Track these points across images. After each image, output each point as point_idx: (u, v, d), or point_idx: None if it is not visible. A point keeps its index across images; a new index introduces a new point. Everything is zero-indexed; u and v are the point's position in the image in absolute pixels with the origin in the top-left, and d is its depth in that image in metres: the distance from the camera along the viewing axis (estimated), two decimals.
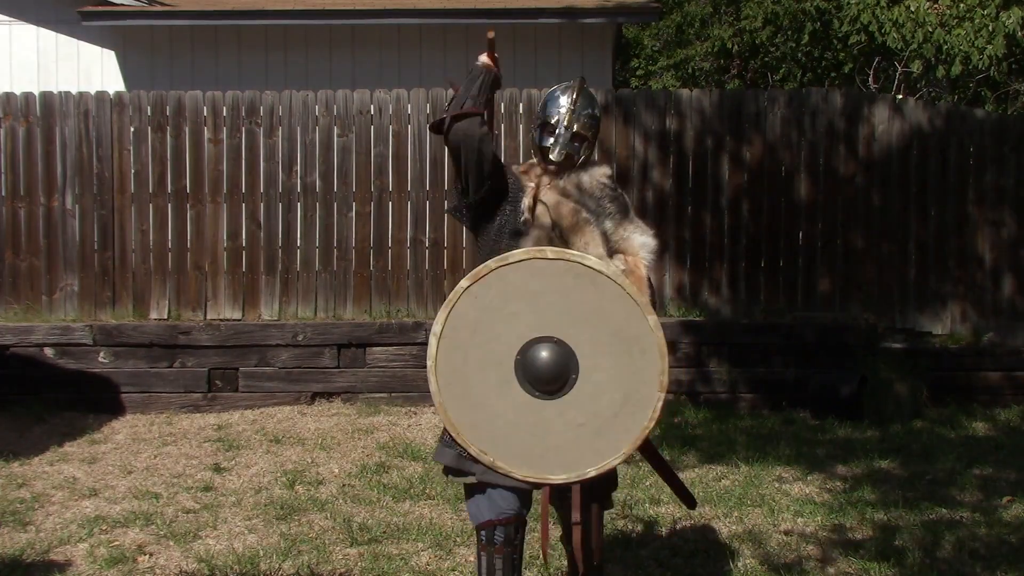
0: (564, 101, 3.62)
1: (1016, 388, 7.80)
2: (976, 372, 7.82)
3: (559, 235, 3.51)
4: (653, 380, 3.30)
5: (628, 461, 3.86)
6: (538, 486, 3.41)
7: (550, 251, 3.36)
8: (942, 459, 6.32)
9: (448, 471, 3.63)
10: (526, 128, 8.03)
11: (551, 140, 3.61)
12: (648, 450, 3.62)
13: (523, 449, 3.34)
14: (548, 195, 3.57)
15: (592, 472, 3.34)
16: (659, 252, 3.58)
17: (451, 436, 3.50)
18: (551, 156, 3.60)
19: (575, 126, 3.60)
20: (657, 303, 3.58)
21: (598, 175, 3.68)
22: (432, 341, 3.37)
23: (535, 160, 3.71)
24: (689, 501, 3.79)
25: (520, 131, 8.12)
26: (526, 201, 3.56)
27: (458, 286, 3.35)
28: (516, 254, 3.35)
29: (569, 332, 3.30)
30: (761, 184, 8.18)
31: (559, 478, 3.35)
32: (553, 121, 3.62)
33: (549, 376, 3.31)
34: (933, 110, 8.44)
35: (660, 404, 3.32)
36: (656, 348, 3.30)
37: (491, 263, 3.36)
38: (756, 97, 8.36)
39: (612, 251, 3.58)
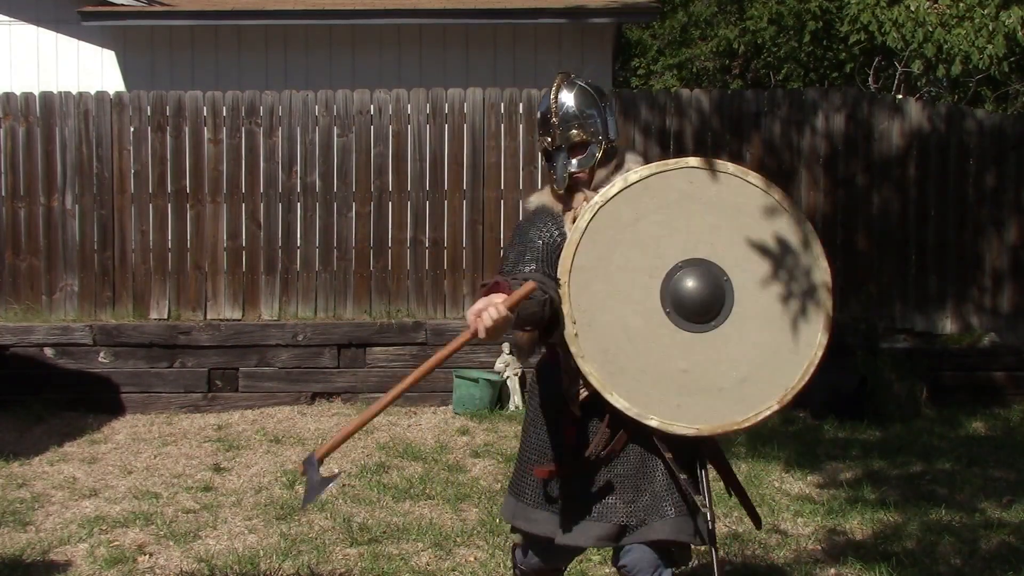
0: (548, 111, 3.17)
1: (1016, 388, 7.80)
2: (976, 372, 7.82)
3: None
4: (778, 389, 2.92)
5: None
6: (693, 439, 3.00)
7: (720, 164, 3.02)
8: (942, 459, 6.32)
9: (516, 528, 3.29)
10: (527, 128, 8.04)
11: (553, 167, 3.17)
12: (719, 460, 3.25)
13: (668, 394, 2.93)
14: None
15: (741, 421, 2.95)
16: None
17: (518, 482, 3.20)
18: (557, 187, 3.16)
19: (569, 136, 3.14)
20: None
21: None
22: (563, 279, 2.95)
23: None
24: (756, 520, 3.43)
25: (520, 131, 8.12)
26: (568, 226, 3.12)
27: (592, 202, 3.00)
28: (675, 161, 3.04)
29: (724, 254, 2.94)
30: None
31: (707, 426, 2.96)
32: (546, 145, 3.18)
33: (700, 303, 2.92)
34: (933, 110, 8.43)
35: (825, 341, 2.96)
36: (807, 360, 2.93)
37: (642, 170, 3.00)
38: (756, 97, 8.36)
39: None
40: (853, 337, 7.78)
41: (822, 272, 2.99)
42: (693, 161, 3.03)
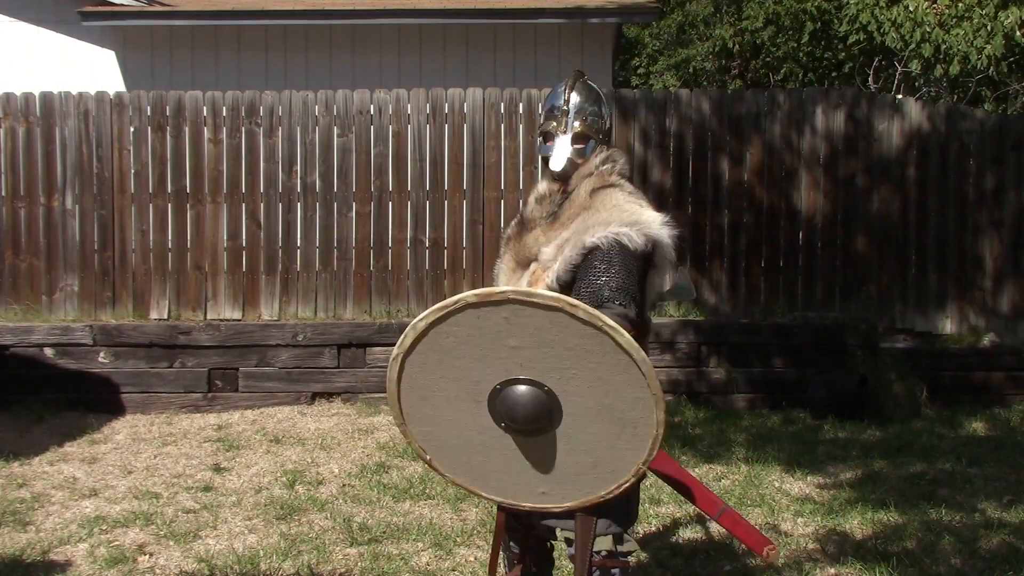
0: (559, 101, 3.39)
1: (1016, 388, 7.81)
2: (976, 372, 7.82)
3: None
4: (630, 465, 2.94)
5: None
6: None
7: (582, 311, 2.73)
8: (942, 459, 6.32)
9: None
10: (527, 128, 8.04)
11: (550, 148, 3.39)
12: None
13: (531, 486, 3.02)
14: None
15: (605, 494, 2.98)
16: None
17: None
18: (551, 167, 3.38)
19: (577, 124, 3.36)
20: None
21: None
22: (400, 427, 2.99)
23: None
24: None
25: (520, 131, 8.12)
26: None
27: (462, 297, 2.76)
28: (547, 296, 2.76)
29: (564, 386, 2.86)
30: (761, 184, 8.18)
31: (576, 503, 3.01)
32: (551, 128, 3.40)
33: (527, 416, 2.86)
34: (933, 110, 8.44)
35: (663, 418, 2.86)
36: (650, 438, 2.87)
37: (428, 315, 2.80)
38: (756, 97, 8.37)
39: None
40: (853, 337, 7.79)
41: (645, 369, 2.79)
42: (471, 297, 2.75)
